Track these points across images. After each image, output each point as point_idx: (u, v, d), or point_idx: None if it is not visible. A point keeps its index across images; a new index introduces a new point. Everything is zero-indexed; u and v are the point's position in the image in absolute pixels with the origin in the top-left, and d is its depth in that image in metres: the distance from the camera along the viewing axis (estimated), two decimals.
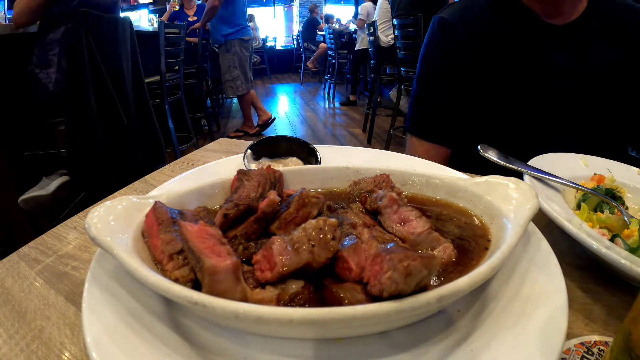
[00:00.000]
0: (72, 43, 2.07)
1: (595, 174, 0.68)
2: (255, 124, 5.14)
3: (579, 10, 1.02)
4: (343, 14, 12.76)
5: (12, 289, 0.49)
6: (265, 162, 0.77)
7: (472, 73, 1.05)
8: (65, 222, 0.65)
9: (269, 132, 5.21)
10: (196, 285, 0.35)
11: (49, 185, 2.32)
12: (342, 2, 14.35)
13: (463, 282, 0.31)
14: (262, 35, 11.77)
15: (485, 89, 1.05)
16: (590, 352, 0.38)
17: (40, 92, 2.17)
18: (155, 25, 4.97)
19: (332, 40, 7.23)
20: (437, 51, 1.11)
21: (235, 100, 6.75)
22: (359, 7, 6.99)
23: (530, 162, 0.66)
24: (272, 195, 0.45)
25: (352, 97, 7.10)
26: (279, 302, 0.34)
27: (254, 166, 0.75)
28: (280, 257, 0.35)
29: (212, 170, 0.71)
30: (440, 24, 1.08)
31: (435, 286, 0.31)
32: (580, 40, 1.00)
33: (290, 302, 0.34)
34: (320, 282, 0.36)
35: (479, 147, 0.69)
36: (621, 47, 1.00)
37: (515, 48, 1.03)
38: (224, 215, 0.44)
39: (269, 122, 5.16)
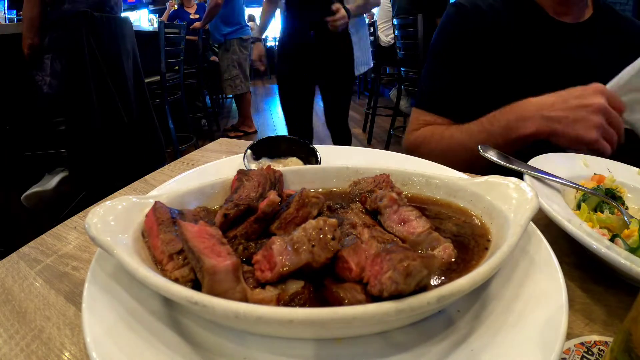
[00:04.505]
0: (72, 43, 2.08)
1: (595, 174, 0.68)
2: (236, 127, 5.00)
3: (585, 15, 1.09)
4: None
5: (12, 289, 0.49)
6: (265, 162, 0.77)
7: (481, 58, 1.09)
8: (65, 222, 0.65)
9: (269, 132, 5.18)
10: (196, 285, 0.35)
11: (51, 181, 2.35)
12: None
13: (463, 282, 0.31)
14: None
15: (492, 76, 1.07)
16: (590, 352, 0.38)
17: (37, 94, 2.20)
18: (155, 25, 4.96)
19: None
20: (453, 32, 1.15)
21: None
22: None
23: (530, 162, 0.66)
24: (272, 195, 0.45)
25: None
26: (279, 302, 0.34)
27: (254, 166, 0.75)
28: (280, 257, 0.35)
29: (212, 170, 0.71)
30: (457, 7, 1.14)
31: (435, 286, 0.31)
32: (588, 40, 1.06)
33: (290, 302, 0.34)
34: (320, 282, 0.36)
35: (479, 147, 0.69)
36: (624, 55, 1.03)
37: (524, 40, 1.07)
38: (224, 215, 0.44)
39: (248, 134, 4.95)
